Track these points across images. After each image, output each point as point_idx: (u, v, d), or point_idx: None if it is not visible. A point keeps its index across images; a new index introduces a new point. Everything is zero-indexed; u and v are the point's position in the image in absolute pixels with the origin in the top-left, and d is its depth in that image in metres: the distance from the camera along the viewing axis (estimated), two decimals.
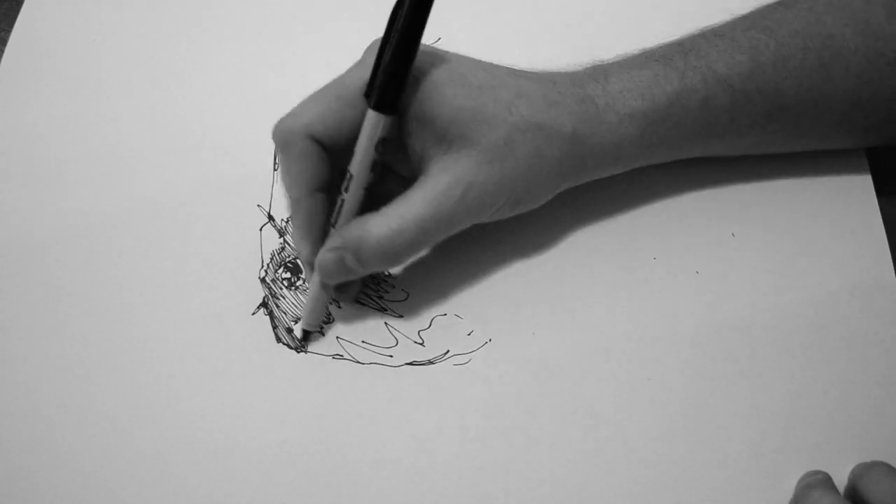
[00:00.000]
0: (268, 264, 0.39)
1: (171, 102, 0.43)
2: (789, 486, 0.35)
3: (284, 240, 0.40)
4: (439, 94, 0.33)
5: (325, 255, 0.34)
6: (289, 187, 0.35)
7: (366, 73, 0.33)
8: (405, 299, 0.39)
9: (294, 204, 0.35)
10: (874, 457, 0.35)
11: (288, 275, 0.39)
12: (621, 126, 0.36)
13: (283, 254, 0.39)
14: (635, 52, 0.38)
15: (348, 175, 0.34)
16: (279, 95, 0.43)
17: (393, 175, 0.36)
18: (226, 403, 0.36)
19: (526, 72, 0.36)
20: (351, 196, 0.34)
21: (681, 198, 0.41)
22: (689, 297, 0.39)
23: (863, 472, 0.34)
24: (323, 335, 0.38)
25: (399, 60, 0.32)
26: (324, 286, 0.36)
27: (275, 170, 0.41)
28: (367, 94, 0.33)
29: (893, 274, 0.39)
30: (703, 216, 0.40)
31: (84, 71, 0.44)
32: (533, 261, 0.39)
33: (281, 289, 0.39)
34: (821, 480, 0.34)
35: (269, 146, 0.42)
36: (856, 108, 0.37)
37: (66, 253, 0.39)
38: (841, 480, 0.35)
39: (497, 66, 0.36)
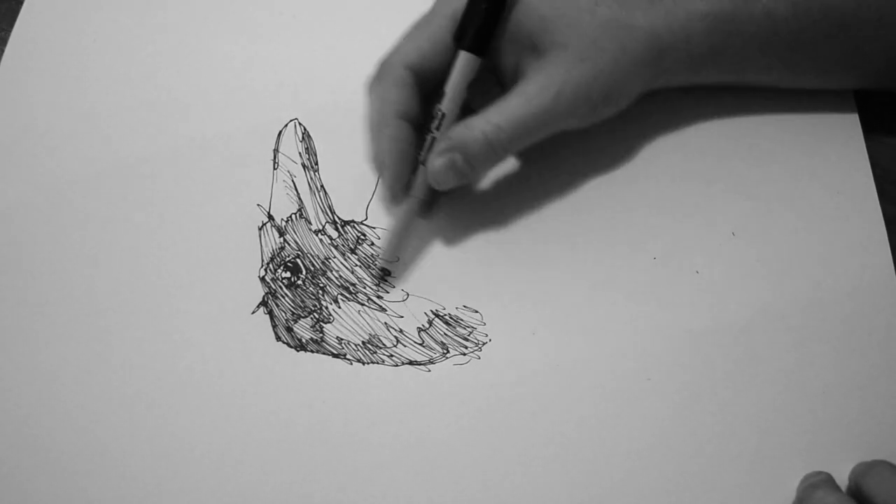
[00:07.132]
0: (268, 263, 0.39)
1: (171, 102, 0.43)
2: (790, 487, 0.35)
3: (284, 239, 0.40)
4: (524, 9, 0.36)
5: (435, 161, 0.36)
6: (378, 114, 0.37)
7: (451, 16, 0.36)
8: (405, 299, 0.39)
9: (380, 130, 0.37)
10: (874, 456, 0.35)
11: (288, 274, 0.39)
12: (690, 23, 0.37)
13: (283, 253, 0.39)
14: None
15: (439, 114, 0.36)
16: (280, 95, 0.43)
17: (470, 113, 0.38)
18: (225, 402, 0.36)
19: None
20: (442, 133, 0.36)
21: (681, 197, 0.41)
22: (689, 297, 0.39)
23: (865, 470, 0.34)
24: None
25: (493, 7, 0.35)
26: (410, 211, 0.38)
27: (275, 169, 0.41)
28: (458, 37, 0.35)
29: (893, 274, 0.39)
30: (703, 216, 0.40)
31: (84, 71, 0.44)
32: (533, 261, 0.39)
33: (281, 288, 0.39)
34: (823, 480, 0.34)
35: (270, 146, 0.42)
36: None
37: (66, 251, 0.39)
38: (841, 480, 0.35)
39: None
